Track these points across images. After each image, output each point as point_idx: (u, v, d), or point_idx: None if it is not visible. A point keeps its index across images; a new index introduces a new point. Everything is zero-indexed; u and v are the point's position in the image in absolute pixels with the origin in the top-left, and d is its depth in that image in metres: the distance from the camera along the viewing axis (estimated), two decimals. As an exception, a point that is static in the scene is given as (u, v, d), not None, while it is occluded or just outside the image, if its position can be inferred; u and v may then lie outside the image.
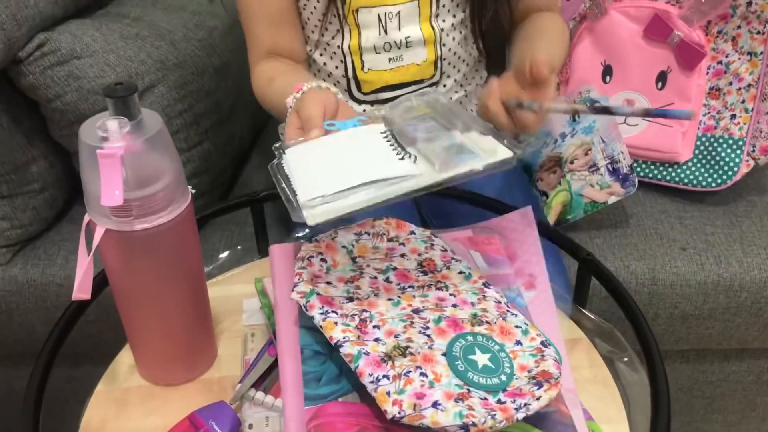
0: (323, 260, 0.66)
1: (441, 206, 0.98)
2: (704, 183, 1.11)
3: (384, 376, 0.55)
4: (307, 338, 0.63)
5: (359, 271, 0.66)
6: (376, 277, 0.66)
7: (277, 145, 0.66)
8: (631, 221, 1.07)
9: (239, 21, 1.00)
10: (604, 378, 0.66)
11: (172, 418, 0.62)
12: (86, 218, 0.61)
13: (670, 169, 1.12)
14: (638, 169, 1.13)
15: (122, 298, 0.64)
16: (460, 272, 0.67)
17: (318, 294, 0.62)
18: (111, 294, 0.65)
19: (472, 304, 0.63)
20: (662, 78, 1.10)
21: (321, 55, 0.94)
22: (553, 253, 0.90)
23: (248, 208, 0.83)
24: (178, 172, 0.60)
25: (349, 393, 0.59)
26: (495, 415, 0.53)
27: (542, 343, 0.60)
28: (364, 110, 0.94)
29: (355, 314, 0.61)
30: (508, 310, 0.63)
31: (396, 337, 0.59)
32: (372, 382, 0.55)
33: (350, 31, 0.90)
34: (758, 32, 1.04)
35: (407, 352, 0.58)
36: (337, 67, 0.93)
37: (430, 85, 0.94)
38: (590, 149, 1.01)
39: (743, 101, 1.08)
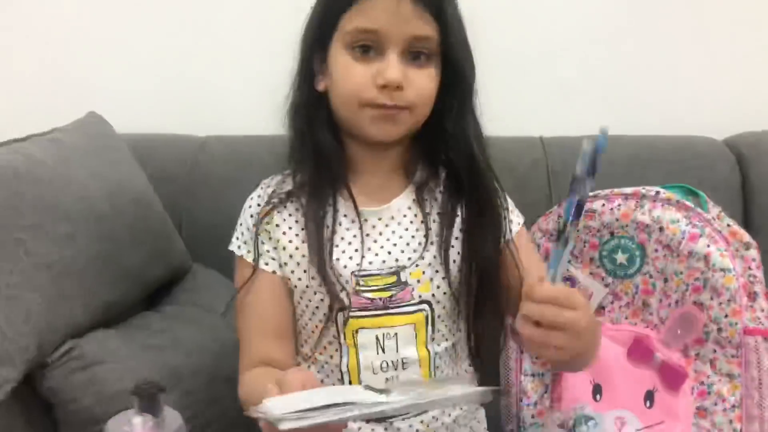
0: None
1: None
2: (703, 507, 1.09)
3: None
4: None
5: None
6: None
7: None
8: None
9: None
10: None
11: None
12: None
13: (669, 491, 1.11)
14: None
15: None
16: None
17: None
18: None
19: None
20: (650, 397, 1.14)
21: (318, 372, 0.97)
22: None
23: None
24: (191, 469, 0.63)
25: None
26: None
27: None
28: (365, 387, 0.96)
29: None
30: None
31: None
32: None
33: (348, 351, 0.93)
34: (732, 356, 1.11)
35: None
36: (333, 385, 0.95)
37: None
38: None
39: (731, 421, 1.11)
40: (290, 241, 0.95)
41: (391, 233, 0.95)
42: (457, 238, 0.95)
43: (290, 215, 0.96)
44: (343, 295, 0.92)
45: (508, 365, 1.22)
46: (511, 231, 0.97)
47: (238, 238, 1.00)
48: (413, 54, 0.89)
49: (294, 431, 0.62)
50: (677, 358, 1.13)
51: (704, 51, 1.50)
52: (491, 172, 0.95)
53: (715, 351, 1.12)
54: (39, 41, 1.57)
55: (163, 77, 1.57)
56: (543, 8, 1.51)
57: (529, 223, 1.09)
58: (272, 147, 1.45)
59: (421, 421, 0.94)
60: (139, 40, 1.56)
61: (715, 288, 1.10)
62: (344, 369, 0.94)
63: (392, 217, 0.95)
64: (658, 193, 1.16)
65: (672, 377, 1.12)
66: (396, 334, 0.93)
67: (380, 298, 0.93)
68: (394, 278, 0.93)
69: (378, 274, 0.93)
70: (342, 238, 0.94)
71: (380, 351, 0.93)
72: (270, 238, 0.96)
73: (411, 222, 0.95)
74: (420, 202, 0.96)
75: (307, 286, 0.94)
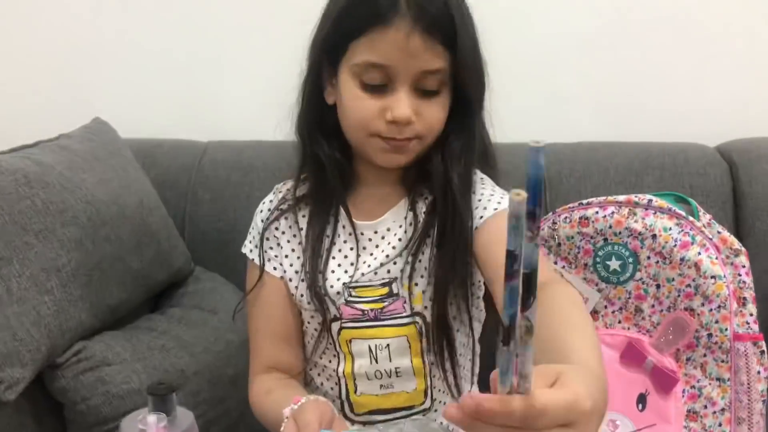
0: None
1: None
2: (695, 506, 1.11)
3: None
4: None
5: None
6: None
7: None
8: None
9: None
10: None
11: None
12: None
13: (661, 489, 1.13)
14: (629, 490, 1.15)
15: None
16: None
17: None
18: None
19: None
20: (642, 400, 1.15)
21: (318, 375, 1.00)
22: None
23: None
24: (201, 467, 0.66)
25: None
26: None
27: None
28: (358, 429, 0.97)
29: None
30: None
31: None
32: None
33: (344, 358, 0.95)
34: (722, 360, 1.11)
35: None
36: (332, 389, 0.98)
37: (422, 412, 0.96)
38: None
39: (720, 424, 1.12)
40: (292, 250, 0.97)
41: (386, 245, 0.95)
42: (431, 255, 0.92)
43: (296, 223, 0.98)
44: (333, 307, 0.93)
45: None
46: (480, 218, 0.90)
47: (250, 242, 1.02)
48: (423, 87, 0.87)
49: None
50: (669, 363, 1.15)
51: (697, 59, 1.51)
52: (466, 196, 0.91)
53: (705, 355, 1.13)
54: (44, 47, 1.59)
55: (166, 83, 1.59)
56: (538, 16, 1.52)
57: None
58: (275, 153, 1.49)
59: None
60: (144, 46, 1.58)
61: (705, 294, 1.12)
62: (341, 374, 0.96)
63: (388, 229, 0.95)
64: (650, 201, 1.18)
65: (664, 381, 1.14)
66: (388, 345, 0.93)
67: (372, 310, 0.93)
68: (386, 290, 0.93)
69: (370, 286, 0.93)
70: (339, 250, 0.95)
71: (373, 361, 0.94)
72: (278, 244, 0.98)
73: (405, 232, 0.94)
74: (415, 213, 0.94)
75: (302, 295, 0.96)
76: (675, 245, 1.14)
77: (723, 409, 1.12)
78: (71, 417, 1.02)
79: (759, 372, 1.11)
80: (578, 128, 1.52)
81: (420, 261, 0.93)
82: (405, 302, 0.93)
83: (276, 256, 0.98)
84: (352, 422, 0.97)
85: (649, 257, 1.17)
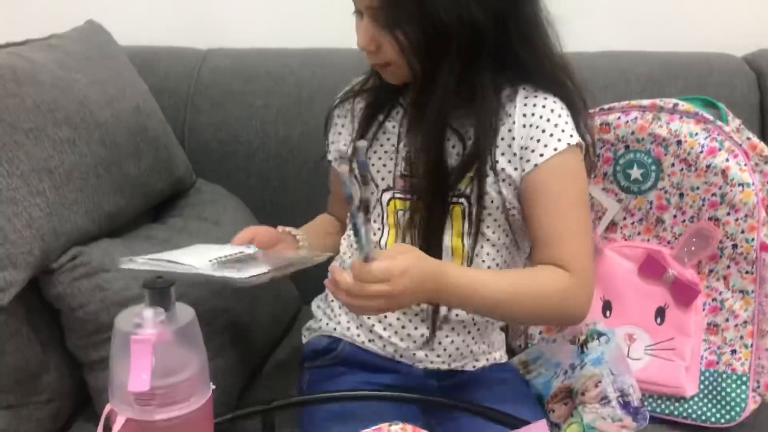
0: None
1: (450, 418, 0.97)
2: (713, 419, 1.10)
3: None
4: None
5: None
6: None
7: None
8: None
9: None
10: None
11: None
12: (107, 409, 0.61)
13: (677, 404, 1.12)
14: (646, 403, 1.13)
15: None
16: None
17: None
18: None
19: None
20: (660, 313, 1.13)
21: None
22: None
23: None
24: (203, 365, 0.62)
25: None
26: None
27: None
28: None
29: None
30: None
31: None
32: None
33: (388, 231, 1.01)
34: (747, 272, 1.10)
35: None
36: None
37: None
38: (600, 381, 1.00)
39: (742, 337, 1.11)
40: (349, 135, 1.07)
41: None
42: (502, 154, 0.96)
43: (351, 110, 1.07)
44: (389, 177, 1.01)
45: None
46: (528, 161, 0.95)
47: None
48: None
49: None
50: (690, 275, 1.12)
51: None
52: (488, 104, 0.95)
53: (729, 267, 1.11)
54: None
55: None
56: None
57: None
58: (278, 60, 1.43)
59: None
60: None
61: (732, 203, 1.08)
62: (383, 246, 1.01)
63: None
64: (676, 105, 1.13)
65: (684, 294, 1.11)
66: None
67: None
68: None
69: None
70: (393, 127, 1.02)
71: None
72: (338, 132, 1.10)
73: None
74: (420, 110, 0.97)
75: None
76: (701, 151, 1.09)
77: (745, 322, 1.11)
78: (68, 324, 1.00)
79: (786, 283, 1.08)
80: (600, 37, 1.47)
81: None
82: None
83: (333, 143, 1.11)
84: None
85: (673, 164, 1.13)
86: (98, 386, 1.02)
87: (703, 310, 1.12)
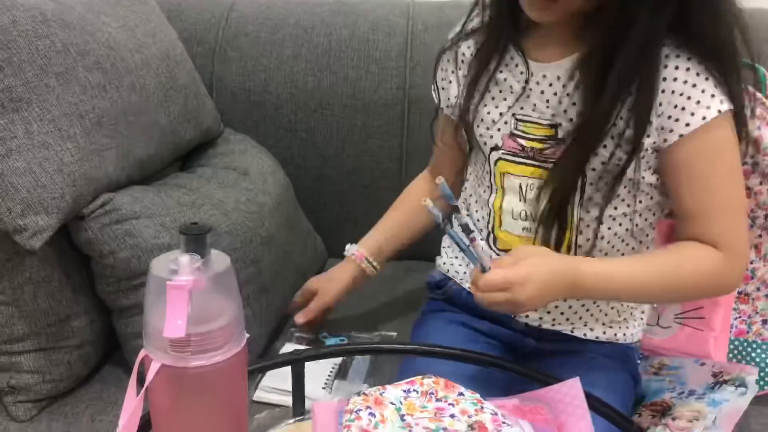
0: (372, 414, 0.65)
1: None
2: (741, 388, 1.09)
3: None
4: None
5: (408, 430, 0.65)
6: None
7: None
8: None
9: (286, 200, 1.09)
10: None
11: None
12: (141, 354, 0.61)
13: (705, 372, 1.11)
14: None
15: None
16: None
17: None
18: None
19: None
20: None
21: (476, 201, 1.00)
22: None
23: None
24: (238, 313, 0.61)
25: None
26: None
27: None
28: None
29: None
30: None
31: None
32: None
33: (496, 191, 0.95)
34: None
35: None
36: (483, 218, 0.98)
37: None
38: (698, 419, 0.97)
39: None
40: (460, 78, 0.99)
41: (561, 87, 0.89)
42: (621, 117, 0.86)
43: (464, 54, 0.99)
44: (497, 135, 0.94)
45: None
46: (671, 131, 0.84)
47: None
48: None
49: None
50: None
51: None
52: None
53: (760, 236, 1.08)
54: None
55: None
56: None
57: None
58: (306, 8, 1.40)
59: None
60: None
61: (764, 173, 1.04)
62: (491, 205, 0.97)
63: (558, 77, 0.89)
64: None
65: None
66: (540, 187, 0.91)
67: (531, 148, 0.91)
68: (551, 131, 0.90)
69: (537, 123, 0.91)
70: (505, 80, 0.94)
71: (522, 200, 0.93)
72: (447, 80, 1.02)
73: (577, 88, 0.87)
74: (590, 67, 0.86)
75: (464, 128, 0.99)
76: None
77: None
78: (99, 270, 1.00)
79: (820, 253, 1.06)
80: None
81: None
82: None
83: (443, 89, 1.04)
84: (496, 254, 0.97)
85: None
86: (127, 333, 1.03)
87: None
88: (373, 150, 1.38)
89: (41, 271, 0.96)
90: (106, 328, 1.06)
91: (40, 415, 1.00)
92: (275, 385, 1.02)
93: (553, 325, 0.98)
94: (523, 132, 0.92)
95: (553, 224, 0.90)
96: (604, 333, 0.99)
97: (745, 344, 1.10)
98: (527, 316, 0.98)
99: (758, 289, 1.10)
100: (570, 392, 0.72)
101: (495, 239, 0.97)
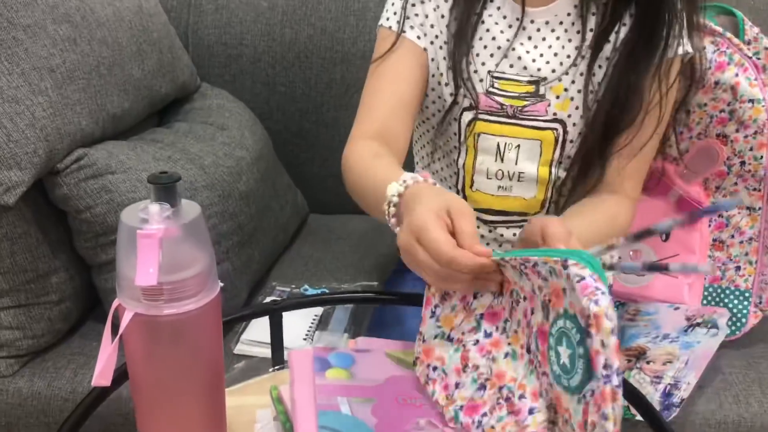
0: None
1: None
2: (714, 332, 1.11)
3: None
4: None
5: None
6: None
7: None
8: (643, 361, 1.07)
9: (265, 155, 1.05)
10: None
11: None
12: (115, 303, 0.61)
13: (679, 317, 1.13)
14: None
15: (140, 391, 0.63)
16: None
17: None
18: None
19: None
20: None
21: (439, 159, 0.97)
22: None
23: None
24: (210, 262, 0.62)
25: (369, 492, 0.57)
26: None
27: None
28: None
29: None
30: None
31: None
32: None
33: (467, 151, 0.92)
34: (754, 189, 1.09)
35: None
36: (450, 176, 0.96)
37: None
38: (671, 362, 1.00)
39: (746, 254, 1.11)
40: (438, 19, 0.89)
41: (541, 39, 0.88)
42: (608, 59, 0.87)
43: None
44: (470, 95, 0.88)
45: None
46: (669, 49, 0.86)
47: (387, 11, 0.92)
48: None
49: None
50: (696, 192, 1.11)
51: None
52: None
53: (736, 184, 1.10)
54: None
55: None
56: None
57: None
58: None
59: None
60: None
61: (741, 120, 1.06)
62: (460, 165, 0.93)
63: (547, 22, 0.88)
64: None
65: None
66: (519, 146, 0.89)
67: (511, 106, 0.89)
68: (531, 88, 0.88)
69: (516, 80, 0.88)
70: (487, 30, 0.88)
71: (499, 159, 0.91)
72: (424, 14, 0.90)
73: (566, 31, 0.88)
74: (583, 9, 0.87)
75: (441, 74, 0.90)
76: (709, 67, 1.06)
77: (751, 239, 1.11)
78: (76, 226, 1.00)
79: (795, 200, 1.07)
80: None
81: (576, 66, 0.87)
82: (549, 105, 0.88)
83: (421, 25, 0.90)
84: None
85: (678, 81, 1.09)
86: (106, 288, 1.03)
87: (709, 226, 1.12)
88: (353, 103, 1.34)
89: (17, 227, 0.96)
90: (86, 283, 1.07)
91: (23, 370, 1.01)
92: (256, 338, 1.04)
93: None
94: (500, 89, 0.89)
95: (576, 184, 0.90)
96: None
97: (719, 290, 1.12)
98: None
99: (732, 236, 1.12)
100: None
101: (465, 198, 0.95)
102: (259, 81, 1.37)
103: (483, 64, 0.89)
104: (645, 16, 0.85)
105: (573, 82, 0.88)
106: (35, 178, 0.92)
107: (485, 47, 0.89)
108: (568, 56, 0.88)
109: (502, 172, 0.91)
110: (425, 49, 0.90)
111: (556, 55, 0.88)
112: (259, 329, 1.04)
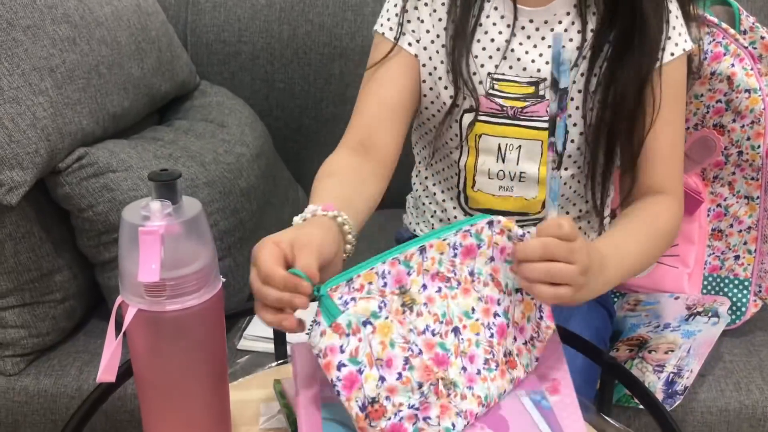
0: None
1: None
2: (714, 322, 1.13)
3: None
4: (330, 427, 0.63)
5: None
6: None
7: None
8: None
9: (266, 151, 1.07)
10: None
11: None
12: (118, 300, 0.62)
13: (679, 307, 1.15)
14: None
15: (144, 387, 0.64)
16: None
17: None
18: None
19: None
20: None
21: (441, 160, 0.97)
22: (585, 366, 0.88)
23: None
24: (212, 257, 0.63)
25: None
26: None
27: None
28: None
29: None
30: None
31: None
32: None
33: (468, 152, 0.92)
34: (752, 178, 1.10)
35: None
36: (452, 177, 0.96)
37: (535, 221, 0.94)
38: (673, 350, 1.01)
39: (745, 243, 1.12)
40: (435, 23, 0.90)
41: (540, 39, 0.88)
42: (607, 60, 0.87)
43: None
44: (471, 98, 0.89)
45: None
46: (661, 59, 0.87)
47: (383, 16, 0.92)
48: None
49: None
50: (694, 183, 1.13)
51: None
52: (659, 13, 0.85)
53: (734, 173, 1.11)
54: None
55: None
56: None
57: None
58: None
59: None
60: None
61: (738, 110, 1.07)
62: (462, 166, 0.93)
63: (546, 22, 0.88)
64: (681, 9, 1.10)
65: (687, 202, 1.09)
66: (520, 146, 0.89)
67: (511, 107, 0.89)
68: (531, 89, 0.88)
69: (516, 81, 0.89)
70: (486, 33, 0.89)
71: (500, 160, 0.91)
72: (419, 19, 0.90)
73: (566, 30, 0.88)
74: (583, 8, 0.87)
75: (439, 78, 0.90)
76: (705, 58, 1.07)
77: (750, 228, 1.12)
78: (78, 225, 1.02)
79: (793, 189, 1.09)
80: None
81: (577, 66, 0.88)
82: (548, 107, 0.88)
83: (413, 31, 0.90)
84: (468, 214, 0.96)
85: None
86: (110, 285, 1.05)
87: (708, 216, 1.14)
88: (351, 99, 1.35)
89: (20, 227, 0.98)
90: (90, 282, 1.08)
91: (29, 368, 1.03)
92: (259, 333, 1.05)
93: None
94: (501, 91, 0.89)
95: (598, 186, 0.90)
96: None
97: (718, 280, 1.14)
98: None
99: (731, 226, 1.13)
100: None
101: (467, 198, 0.96)
102: (258, 78, 1.39)
103: (482, 66, 0.89)
104: (634, 17, 0.85)
105: (574, 82, 0.88)
106: (37, 178, 0.93)
107: (484, 49, 0.89)
108: (568, 59, 0.88)
109: (504, 173, 0.92)
110: (416, 55, 0.90)
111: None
112: (262, 324, 1.05)
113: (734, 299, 1.12)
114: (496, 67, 0.88)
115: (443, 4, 0.89)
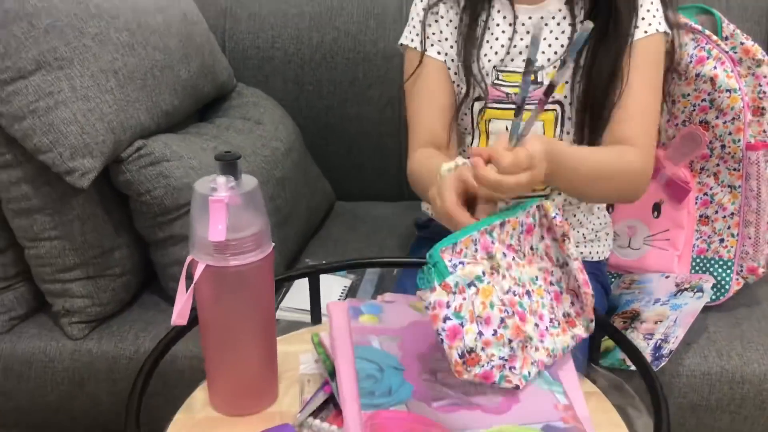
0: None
1: None
2: (702, 299, 1.20)
3: None
4: (362, 364, 0.74)
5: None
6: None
7: None
8: (637, 321, 1.15)
9: (297, 146, 1.14)
10: (616, 421, 0.75)
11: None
12: (188, 259, 0.72)
13: (673, 286, 1.20)
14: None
15: (208, 332, 0.74)
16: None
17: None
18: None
19: None
20: (657, 208, 1.22)
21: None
22: None
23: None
24: (266, 223, 0.73)
25: (399, 404, 0.70)
26: None
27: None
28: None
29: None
30: None
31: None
32: None
33: (479, 135, 1.05)
34: (734, 169, 1.17)
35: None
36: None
37: (540, 197, 0.98)
38: (661, 321, 1.08)
39: (729, 227, 1.19)
40: (451, 34, 1.04)
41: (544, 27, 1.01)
42: (589, 46, 0.99)
43: (452, 8, 1.05)
44: (479, 88, 1.02)
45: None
46: (633, 36, 0.98)
47: (410, 32, 1.07)
48: None
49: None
50: (683, 173, 1.19)
51: None
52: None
53: (718, 165, 1.18)
54: None
55: None
56: None
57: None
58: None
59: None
60: None
61: (720, 108, 1.14)
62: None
63: (541, 17, 1.01)
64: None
65: (677, 191, 1.20)
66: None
67: (515, 94, 1.01)
68: (532, 77, 0.98)
69: (518, 72, 1.01)
70: (491, 33, 1.03)
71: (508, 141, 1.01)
72: (439, 30, 1.05)
73: (558, 24, 1.01)
74: (571, 5, 1.00)
75: (455, 74, 1.04)
76: (690, 62, 1.15)
77: (732, 214, 1.19)
78: (136, 208, 1.12)
79: (770, 178, 1.15)
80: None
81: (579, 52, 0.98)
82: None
83: (439, 41, 1.06)
84: None
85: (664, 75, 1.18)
86: (163, 262, 1.15)
87: (696, 203, 1.20)
88: (374, 99, 1.49)
89: (87, 209, 1.08)
90: (144, 259, 1.19)
91: (92, 333, 1.14)
92: (294, 305, 1.15)
93: None
94: (504, 81, 1.02)
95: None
96: (581, 252, 1.12)
97: (705, 261, 1.21)
98: None
99: (716, 212, 1.20)
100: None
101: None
102: (289, 80, 1.49)
103: (489, 60, 1.03)
104: (610, 10, 0.97)
105: (568, 67, 0.97)
106: (104, 165, 1.04)
107: (491, 47, 1.03)
108: (562, 45, 1.01)
109: None
110: (444, 62, 1.05)
111: (550, 46, 1.01)
112: (296, 297, 1.16)
113: (719, 278, 1.18)
114: (501, 60, 1.02)
115: (456, 14, 1.03)
